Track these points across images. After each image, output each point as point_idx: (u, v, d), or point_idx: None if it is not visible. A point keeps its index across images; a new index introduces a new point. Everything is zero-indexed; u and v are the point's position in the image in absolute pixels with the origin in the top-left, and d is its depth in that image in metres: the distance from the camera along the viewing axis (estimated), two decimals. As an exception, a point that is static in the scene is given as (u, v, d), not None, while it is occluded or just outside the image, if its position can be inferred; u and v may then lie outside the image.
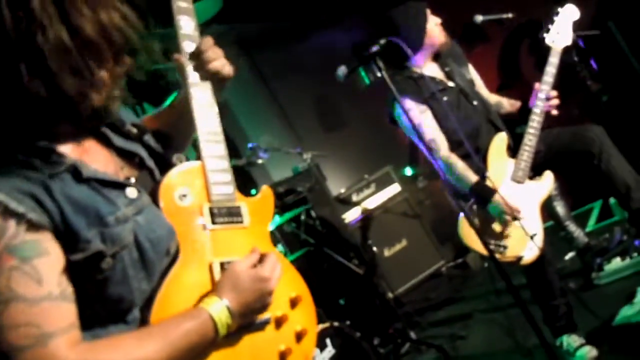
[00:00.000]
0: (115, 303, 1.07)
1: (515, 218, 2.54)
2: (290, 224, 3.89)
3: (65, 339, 0.95)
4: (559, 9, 2.77)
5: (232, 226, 1.25)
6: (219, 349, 1.14)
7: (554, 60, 2.69)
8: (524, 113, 2.72)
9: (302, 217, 4.07)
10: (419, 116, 2.77)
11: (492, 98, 3.03)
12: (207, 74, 1.30)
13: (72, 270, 1.02)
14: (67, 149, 1.09)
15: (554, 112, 2.68)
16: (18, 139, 1.04)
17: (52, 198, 1.01)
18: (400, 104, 2.37)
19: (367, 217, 5.00)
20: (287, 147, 4.65)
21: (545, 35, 2.73)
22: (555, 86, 2.68)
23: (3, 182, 0.98)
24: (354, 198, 5.07)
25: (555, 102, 2.67)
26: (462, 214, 2.65)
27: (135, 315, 1.10)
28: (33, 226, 0.98)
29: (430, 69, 2.94)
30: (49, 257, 0.99)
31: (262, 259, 1.22)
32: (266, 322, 1.23)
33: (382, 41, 2.23)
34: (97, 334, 1.06)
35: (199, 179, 1.23)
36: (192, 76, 1.28)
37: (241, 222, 1.27)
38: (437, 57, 2.99)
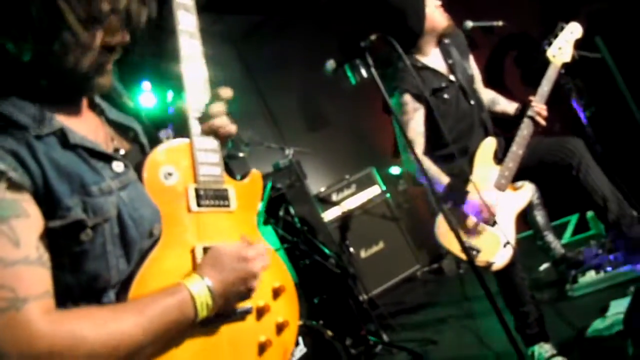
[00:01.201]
0: (91, 279, 1.03)
1: (490, 223, 2.55)
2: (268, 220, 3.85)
3: (39, 304, 0.91)
4: (564, 25, 2.76)
5: (217, 209, 1.20)
6: (197, 337, 1.10)
7: (551, 75, 2.68)
8: (516, 119, 2.73)
9: (281, 213, 4.04)
10: (411, 113, 2.76)
11: (488, 94, 3.02)
12: (209, 129, 1.24)
13: (50, 239, 0.98)
14: (57, 113, 1.06)
15: (542, 122, 2.68)
16: (5, 94, 1.00)
17: (36, 159, 0.97)
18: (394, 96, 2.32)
19: (346, 217, 4.99)
20: (269, 142, 4.61)
21: (546, 48, 2.71)
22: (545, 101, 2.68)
23: None
24: (334, 197, 5.07)
25: (544, 114, 2.67)
26: (439, 215, 2.66)
27: (110, 297, 1.06)
28: (13, 185, 0.94)
29: (434, 58, 2.88)
30: (27, 219, 0.95)
31: (249, 244, 1.18)
32: (247, 312, 1.19)
33: (373, 37, 2.19)
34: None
35: (186, 158, 1.18)
36: (187, 51, 1.23)
37: (228, 205, 1.22)
38: (440, 43, 2.92)
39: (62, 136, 1.03)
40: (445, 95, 2.79)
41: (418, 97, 2.74)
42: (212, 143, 1.22)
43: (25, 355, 0.88)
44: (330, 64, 2.42)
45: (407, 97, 2.75)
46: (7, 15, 0.95)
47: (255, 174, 1.36)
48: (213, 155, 1.22)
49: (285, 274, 1.35)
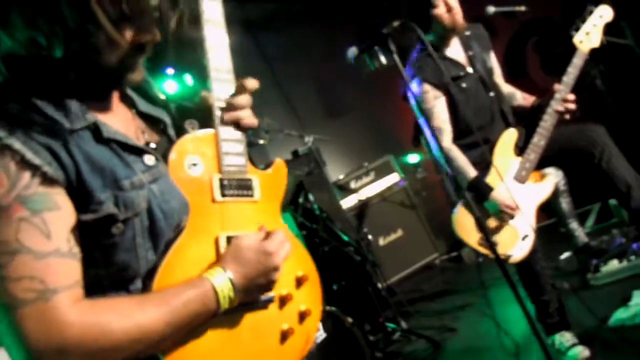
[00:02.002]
0: (120, 270, 1.05)
1: (511, 217, 2.53)
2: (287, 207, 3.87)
3: (69, 295, 0.93)
4: (593, 8, 2.65)
5: (241, 199, 1.20)
6: (220, 325, 1.11)
7: (578, 62, 2.58)
8: (535, 111, 2.69)
9: (300, 200, 4.05)
10: (432, 101, 2.75)
11: (506, 88, 2.99)
12: (232, 120, 1.23)
13: (81, 232, 1.00)
14: (90, 107, 1.07)
15: (567, 116, 2.63)
16: (40, 89, 1.01)
17: (70, 154, 0.98)
18: (411, 86, 2.30)
19: (364, 205, 4.98)
20: (288, 130, 4.61)
21: (573, 33, 2.61)
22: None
23: (21, 132, 0.95)
24: (353, 185, 5.07)
25: (572, 106, 2.60)
26: (457, 206, 2.65)
27: (137, 285, 1.08)
28: (47, 180, 0.95)
29: (453, 49, 2.87)
30: (59, 212, 0.96)
31: (269, 235, 1.18)
32: (270, 301, 1.20)
33: (396, 23, 2.18)
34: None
35: (211, 148, 1.18)
36: (212, 40, 1.21)
37: (251, 195, 1.22)
38: (461, 35, 2.88)
39: (95, 130, 1.04)
40: (464, 84, 2.77)
41: (437, 86, 2.73)
42: (237, 133, 1.22)
43: (54, 345, 0.90)
44: (352, 52, 2.40)
45: (427, 86, 2.74)
46: (38, 9, 0.95)
47: (280, 163, 1.35)
48: (237, 145, 1.21)
49: (308, 263, 1.35)
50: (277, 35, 6.14)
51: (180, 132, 1.24)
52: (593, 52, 2.66)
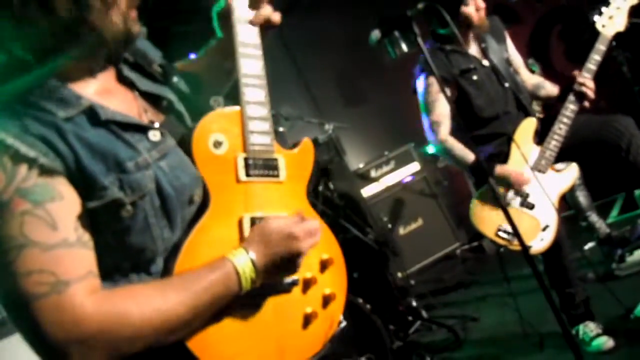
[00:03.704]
0: (138, 253, 1.02)
1: (531, 207, 2.50)
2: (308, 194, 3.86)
3: (82, 286, 0.91)
4: None
5: (267, 179, 1.18)
6: (243, 309, 1.09)
7: (601, 48, 2.51)
8: (560, 100, 2.64)
9: (320, 188, 4.04)
10: (435, 94, 2.74)
11: (532, 79, 2.96)
12: (255, 19, 1.22)
13: (91, 219, 0.97)
14: (85, 90, 1.04)
15: (586, 103, 2.58)
16: (32, 74, 0.98)
17: (66, 142, 0.95)
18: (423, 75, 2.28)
19: (384, 194, 4.96)
20: (308, 117, 4.60)
21: (596, 18, 2.55)
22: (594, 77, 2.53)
23: (13, 124, 0.92)
24: (373, 174, 5.04)
25: (590, 92, 2.54)
26: (473, 198, 2.63)
27: (159, 266, 1.06)
28: (45, 171, 0.92)
29: (467, 42, 2.86)
30: (63, 202, 0.93)
31: (303, 220, 1.15)
32: (294, 284, 1.17)
33: (420, 5, 2.15)
34: (119, 284, 1.01)
35: (236, 126, 1.16)
36: (240, 14, 1.20)
37: (277, 176, 1.20)
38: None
39: (92, 114, 1.00)
40: (474, 77, 2.75)
41: (444, 79, 2.70)
42: (263, 110, 1.19)
43: (72, 338, 0.88)
44: (375, 34, 2.37)
45: (432, 79, 2.71)
46: None
47: (307, 142, 1.32)
48: (263, 123, 1.18)
49: (334, 246, 1.32)
50: (298, 23, 6.10)
51: (195, 106, 1.22)
52: (619, 37, 2.59)
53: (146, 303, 0.94)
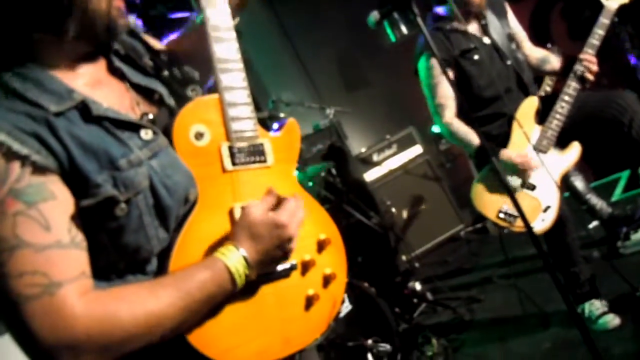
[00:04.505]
0: (133, 253, 1.01)
1: (532, 187, 2.48)
2: (310, 181, 3.84)
3: (74, 287, 0.89)
4: None
5: (254, 166, 1.15)
6: (243, 299, 1.08)
7: (604, 21, 2.46)
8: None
9: (322, 174, 4.03)
10: (438, 76, 2.71)
11: (537, 52, 2.91)
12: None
13: (85, 218, 0.95)
14: (75, 81, 1.02)
15: (589, 76, 2.54)
16: (21, 67, 0.96)
17: (58, 139, 0.93)
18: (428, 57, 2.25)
19: (387, 177, 4.95)
20: (309, 103, 4.58)
21: None
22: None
23: (4, 121, 0.90)
24: (375, 158, 5.03)
25: (592, 67, 2.51)
26: (475, 181, 2.61)
27: (153, 266, 1.04)
28: (38, 169, 0.91)
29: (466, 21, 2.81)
30: (56, 202, 0.92)
31: (280, 203, 1.12)
32: (292, 269, 1.16)
33: None
34: (115, 284, 1.00)
35: (216, 114, 1.12)
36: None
37: (264, 161, 1.17)
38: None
39: (84, 109, 0.98)
40: (475, 57, 2.71)
41: (445, 61, 2.67)
42: (242, 95, 1.15)
43: (63, 340, 0.86)
44: (374, 16, 2.35)
45: (434, 61, 2.68)
46: None
47: (292, 123, 1.28)
48: (244, 108, 1.15)
49: (330, 226, 1.29)
50: (297, 8, 6.07)
51: (182, 100, 1.18)
52: (621, 11, 2.54)
53: (137, 304, 0.92)
